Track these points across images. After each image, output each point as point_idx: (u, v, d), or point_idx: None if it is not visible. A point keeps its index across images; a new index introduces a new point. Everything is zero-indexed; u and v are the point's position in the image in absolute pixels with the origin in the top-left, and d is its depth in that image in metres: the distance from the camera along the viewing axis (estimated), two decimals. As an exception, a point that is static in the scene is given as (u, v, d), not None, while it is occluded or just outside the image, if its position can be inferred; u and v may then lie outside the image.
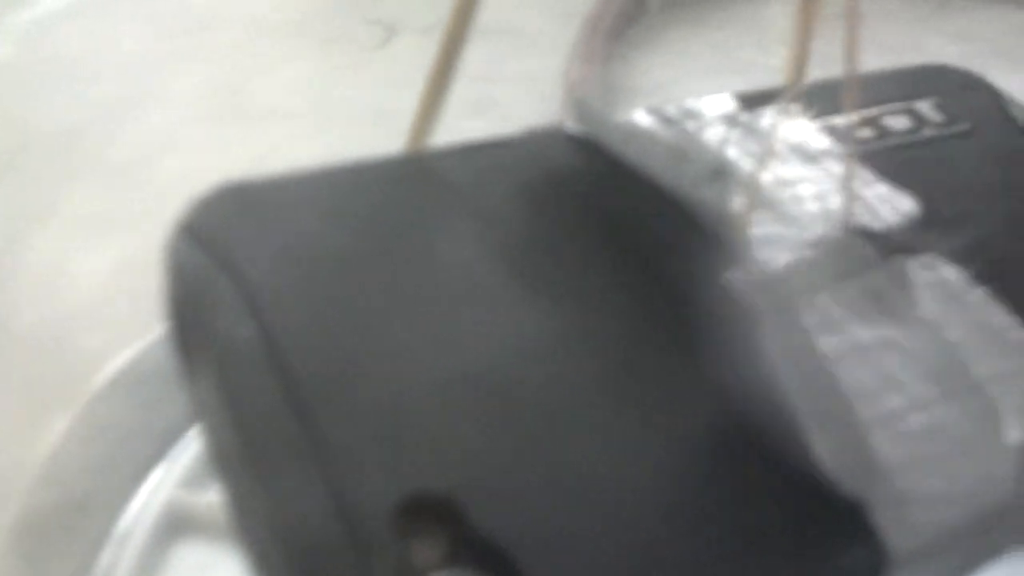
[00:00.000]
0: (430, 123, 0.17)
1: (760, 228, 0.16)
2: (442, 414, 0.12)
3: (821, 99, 0.19)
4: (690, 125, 0.17)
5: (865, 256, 0.16)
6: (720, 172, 0.15)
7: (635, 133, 0.16)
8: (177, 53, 0.44)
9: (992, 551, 0.14)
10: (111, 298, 0.28)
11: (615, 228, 0.15)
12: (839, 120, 0.19)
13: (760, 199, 0.16)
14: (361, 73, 0.48)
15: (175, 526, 0.21)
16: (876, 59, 0.19)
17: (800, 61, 0.16)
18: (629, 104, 0.39)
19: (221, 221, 0.14)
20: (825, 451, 0.12)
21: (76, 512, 0.21)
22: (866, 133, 0.19)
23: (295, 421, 0.12)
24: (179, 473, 0.22)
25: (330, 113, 0.43)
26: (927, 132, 0.20)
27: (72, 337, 0.27)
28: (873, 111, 0.20)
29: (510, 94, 0.44)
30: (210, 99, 0.40)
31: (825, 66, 0.18)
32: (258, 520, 0.12)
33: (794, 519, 0.12)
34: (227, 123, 0.40)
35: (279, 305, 0.13)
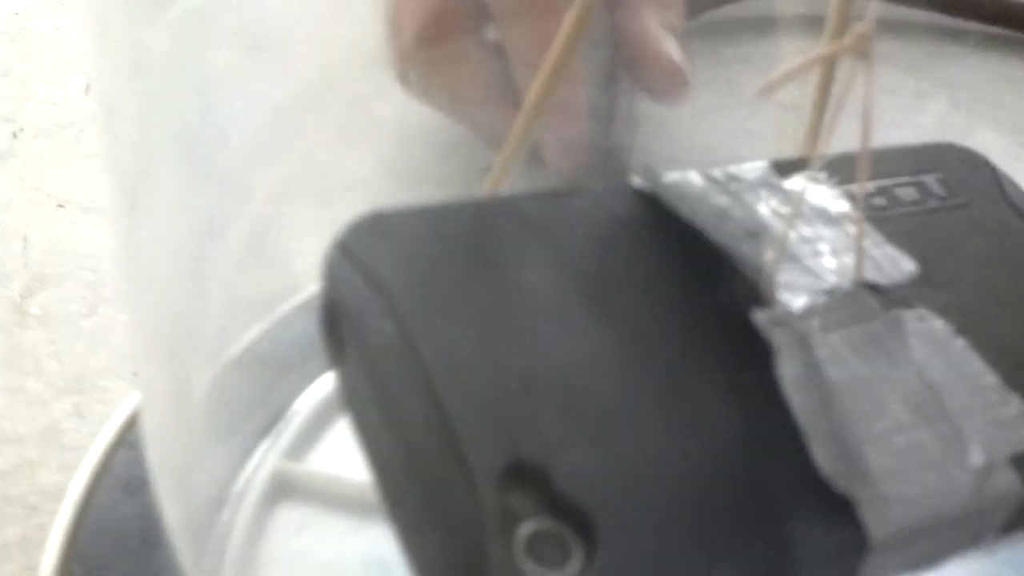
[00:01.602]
0: (510, 169, 0.20)
1: (785, 276, 0.19)
2: (535, 401, 0.16)
3: (843, 169, 0.23)
4: (733, 187, 0.21)
5: (869, 306, 0.19)
6: (755, 232, 0.18)
7: (687, 194, 0.19)
8: None
9: (949, 548, 0.18)
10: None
11: (669, 269, 0.19)
12: (857, 188, 0.23)
13: (787, 253, 0.19)
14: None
15: (280, 491, 0.25)
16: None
17: (817, 135, 0.20)
18: (642, 136, 0.42)
19: (365, 240, 0.17)
20: (822, 459, 0.16)
21: (198, 475, 0.25)
22: (879, 201, 0.23)
23: (425, 399, 0.15)
24: (282, 446, 0.26)
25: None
26: (931, 203, 0.23)
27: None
28: (886, 182, 0.23)
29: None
30: None
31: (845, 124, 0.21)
32: (393, 465, 0.16)
33: (798, 507, 0.16)
34: None
35: (411, 308, 0.16)
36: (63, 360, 0.32)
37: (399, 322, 0.16)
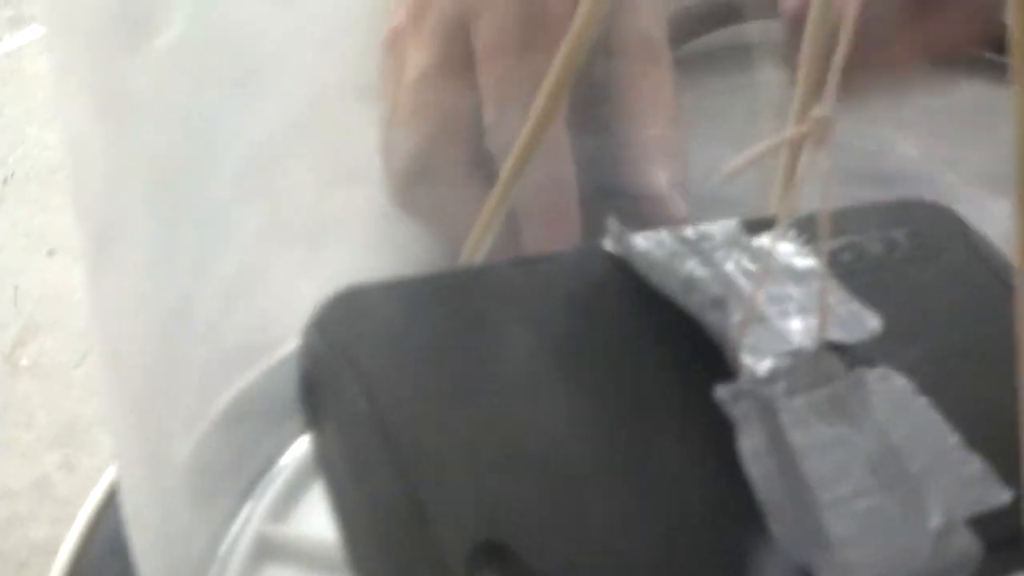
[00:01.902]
0: (488, 237, 0.21)
1: (752, 338, 0.20)
2: (507, 479, 0.16)
3: (811, 226, 0.23)
4: (704, 246, 0.22)
5: (833, 368, 0.20)
6: (720, 301, 0.19)
7: (655, 261, 0.20)
8: None
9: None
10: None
11: (642, 337, 0.19)
12: (820, 249, 0.23)
13: (754, 315, 0.20)
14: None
15: (264, 552, 0.26)
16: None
17: (790, 196, 0.21)
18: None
19: (341, 318, 0.18)
20: (779, 529, 0.16)
21: (186, 538, 0.25)
22: (846, 257, 0.23)
23: (398, 479, 0.16)
24: (265, 507, 0.26)
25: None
26: (897, 257, 0.24)
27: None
28: (854, 238, 0.24)
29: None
30: None
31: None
32: (368, 550, 0.16)
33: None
34: None
35: (385, 387, 0.17)
36: (53, 411, 0.33)
37: (372, 402, 0.17)
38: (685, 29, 0.50)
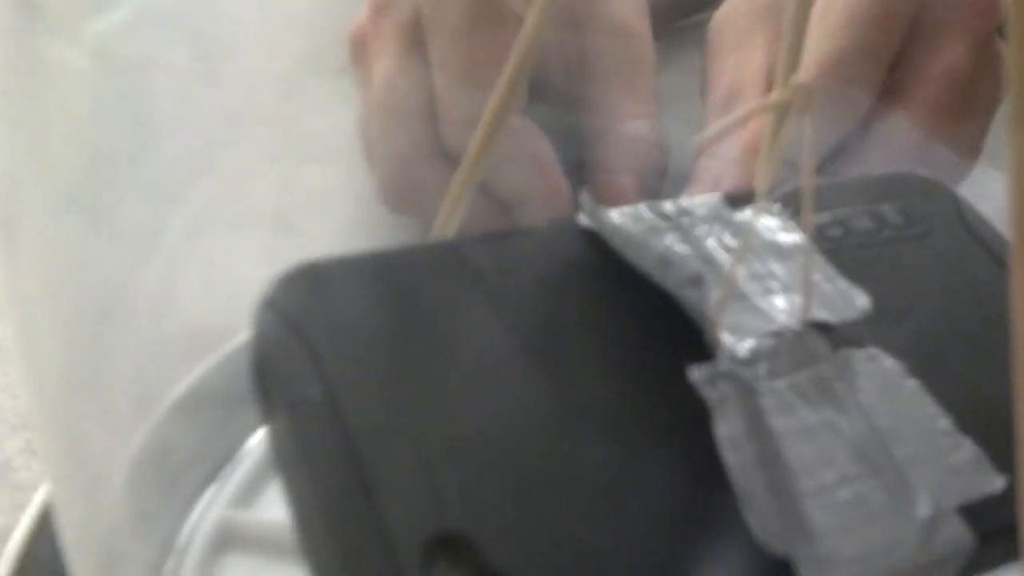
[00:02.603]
0: (460, 210, 0.20)
1: (733, 317, 0.19)
2: (465, 466, 0.15)
3: (797, 201, 0.22)
4: (684, 221, 0.21)
5: (817, 348, 0.19)
6: (697, 278, 0.18)
7: (631, 237, 0.19)
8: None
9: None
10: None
11: (616, 316, 0.18)
12: (814, 219, 0.22)
13: (734, 295, 0.19)
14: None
15: (226, 540, 0.25)
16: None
17: (770, 167, 0.20)
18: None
19: (294, 296, 0.17)
20: (756, 521, 0.15)
21: (145, 524, 0.24)
22: (834, 232, 0.22)
23: (350, 464, 0.15)
24: (228, 494, 0.26)
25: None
26: (887, 233, 0.23)
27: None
28: (842, 212, 0.23)
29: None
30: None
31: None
32: (319, 538, 0.15)
33: (735, 572, 0.15)
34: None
35: (340, 370, 0.16)
36: (16, 394, 0.32)
37: (326, 385, 0.16)
38: (677, 8, 0.49)
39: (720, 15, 0.41)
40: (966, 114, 0.33)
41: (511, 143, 0.33)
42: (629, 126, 0.35)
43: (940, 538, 0.17)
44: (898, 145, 0.33)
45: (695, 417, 0.17)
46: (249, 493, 0.26)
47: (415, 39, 0.34)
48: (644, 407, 0.17)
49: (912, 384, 0.19)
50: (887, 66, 0.33)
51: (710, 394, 0.17)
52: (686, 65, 0.43)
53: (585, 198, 0.20)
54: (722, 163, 0.33)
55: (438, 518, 0.14)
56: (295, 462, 0.16)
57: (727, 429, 0.16)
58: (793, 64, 0.14)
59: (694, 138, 0.16)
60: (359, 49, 0.36)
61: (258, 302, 0.17)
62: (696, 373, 0.17)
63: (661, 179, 0.35)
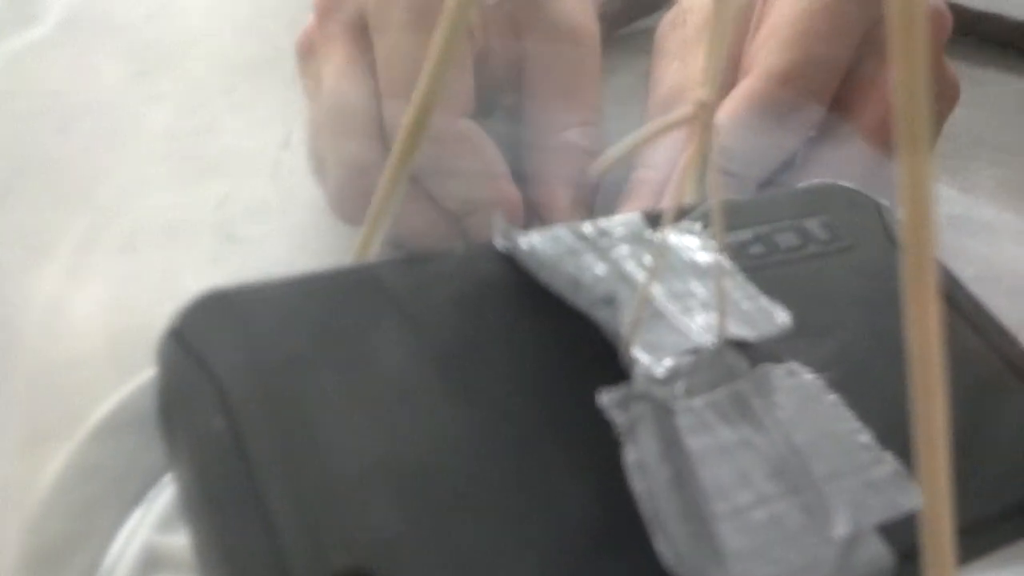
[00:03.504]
0: (379, 233, 0.20)
1: (650, 335, 0.19)
2: (373, 499, 0.15)
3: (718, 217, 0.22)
4: (602, 243, 0.21)
5: (736, 365, 0.19)
6: (609, 299, 0.18)
7: (543, 260, 0.19)
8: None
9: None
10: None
11: (531, 339, 0.18)
12: (735, 236, 0.22)
13: (651, 311, 0.19)
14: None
15: (152, 565, 0.24)
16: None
17: (680, 187, 0.20)
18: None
19: (200, 326, 0.17)
20: (664, 547, 0.15)
21: (67, 550, 0.24)
22: (756, 249, 0.22)
23: (251, 504, 0.15)
24: (155, 516, 0.25)
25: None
26: (811, 248, 0.23)
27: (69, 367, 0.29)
28: (765, 228, 0.23)
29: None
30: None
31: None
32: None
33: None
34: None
35: (244, 402, 0.16)
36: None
37: (230, 418, 0.15)
38: (628, 12, 0.49)
39: (667, 20, 0.41)
40: None
41: (457, 151, 0.33)
42: (564, 135, 0.34)
43: (858, 558, 0.17)
44: (847, 157, 0.33)
45: (609, 440, 0.17)
46: (176, 517, 0.25)
47: (361, 41, 0.33)
48: (558, 430, 0.17)
49: (831, 398, 0.19)
50: (838, 79, 0.34)
51: (619, 419, 0.17)
52: (640, 69, 0.43)
53: (497, 221, 0.20)
54: (659, 175, 0.33)
55: (342, 555, 0.14)
56: (197, 500, 0.15)
57: (636, 454, 0.16)
58: (710, 79, 0.14)
59: (607, 152, 0.16)
60: (307, 57, 0.36)
61: (163, 333, 0.17)
62: (606, 398, 0.17)
63: (595, 189, 0.35)
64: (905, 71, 0.12)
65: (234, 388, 0.16)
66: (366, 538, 0.14)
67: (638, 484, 0.16)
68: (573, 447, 0.17)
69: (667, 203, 0.19)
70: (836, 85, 0.34)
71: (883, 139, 0.33)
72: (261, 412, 0.16)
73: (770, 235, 0.23)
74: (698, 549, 0.16)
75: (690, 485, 0.16)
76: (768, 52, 0.34)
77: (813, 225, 0.24)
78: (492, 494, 0.16)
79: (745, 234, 0.23)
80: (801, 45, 0.33)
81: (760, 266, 0.22)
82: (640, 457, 0.16)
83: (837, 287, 0.23)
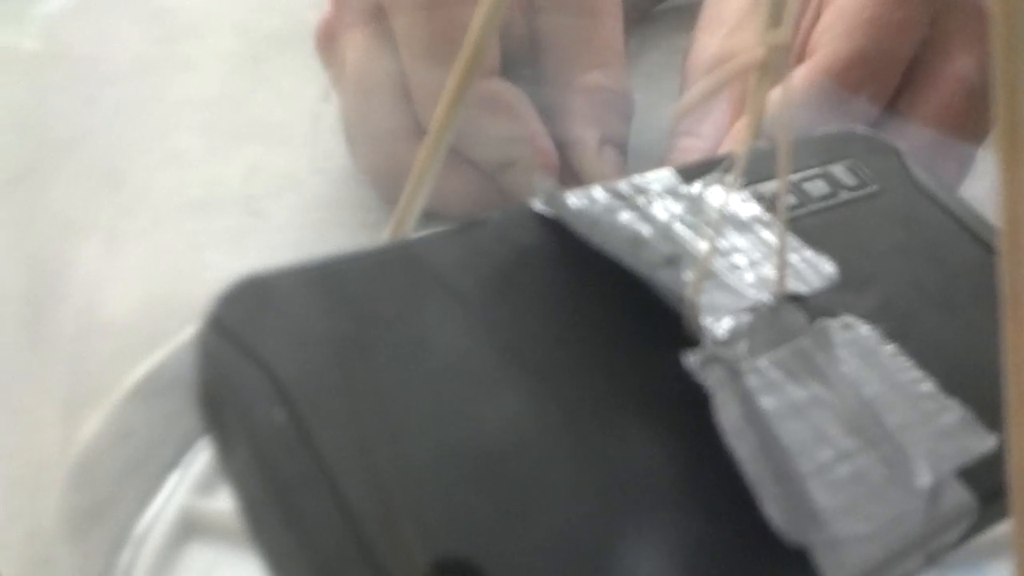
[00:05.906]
0: (414, 211, 0.19)
1: (705, 295, 0.18)
2: (455, 484, 0.14)
3: (749, 167, 0.21)
4: (640, 200, 0.20)
5: (794, 321, 0.18)
6: (673, 258, 0.17)
7: (597, 220, 0.18)
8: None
9: (905, 573, 0.17)
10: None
11: (584, 305, 0.17)
12: (765, 187, 0.22)
13: (707, 273, 0.18)
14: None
15: (187, 529, 0.23)
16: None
17: (749, 132, 0.19)
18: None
19: (242, 314, 0.15)
20: (773, 512, 0.14)
21: (100, 515, 0.23)
22: (790, 199, 0.22)
23: (329, 497, 0.14)
24: (192, 480, 0.24)
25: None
26: (842, 196, 0.22)
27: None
28: (795, 177, 0.22)
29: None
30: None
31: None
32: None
33: (751, 569, 0.15)
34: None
35: (303, 392, 0.15)
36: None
37: (290, 408, 0.14)
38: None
39: None
40: (971, 123, 0.33)
41: (490, 107, 0.33)
42: (586, 76, 0.34)
43: (944, 505, 0.16)
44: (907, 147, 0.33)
45: (684, 403, 0.16)
46: (212, 480, 0.24)
47: (380, 21, 0.34)
48: (629, 397, 0.16)
49: (890, 349, 0.19)
50: (901, 71, 0.33)
51: (707, 380, 0.16)
52: (671, 46, 0.42)
53: (541, 182, 0.19)
54: (704, 144, 0.33)
55: (436, 547, 0.13)
56: (263, 500, 0.14)
57: (729, 416, 0.15)
58: (775, 22, 0.13)
59: (671, 108, 0.15)
60: (328, 43, 0.36)
61: (200, 324, 0.15)
62: (691, 359, 0.16)
63: (627, 128, 0.34)
64: (1007, 70, 0.11)
65: (290, 377, 0.15)
66: (455, 525, 0.13)
67: (739, 447, 0.15)
68: (649, 413, 0.16)
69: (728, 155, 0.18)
70: (899, 77, 0.33)
71: (940, 131, 0.33)
72: (323, 401, 0.14)
73: (800, 184, 0.22)
74: (796, 509, 0.15)
75: (774, 446, 0.16)
76: (833, 36, 0.33)
77: (839, 171, 0.23)
78: (574, 469, 0.15)
79: (773, 185, 0.22)
80: (868, 33, 0.32)
81: (796, 217, 0.21)
82: (732, 419, 0.15)
83: (872, 235, 0.22)
